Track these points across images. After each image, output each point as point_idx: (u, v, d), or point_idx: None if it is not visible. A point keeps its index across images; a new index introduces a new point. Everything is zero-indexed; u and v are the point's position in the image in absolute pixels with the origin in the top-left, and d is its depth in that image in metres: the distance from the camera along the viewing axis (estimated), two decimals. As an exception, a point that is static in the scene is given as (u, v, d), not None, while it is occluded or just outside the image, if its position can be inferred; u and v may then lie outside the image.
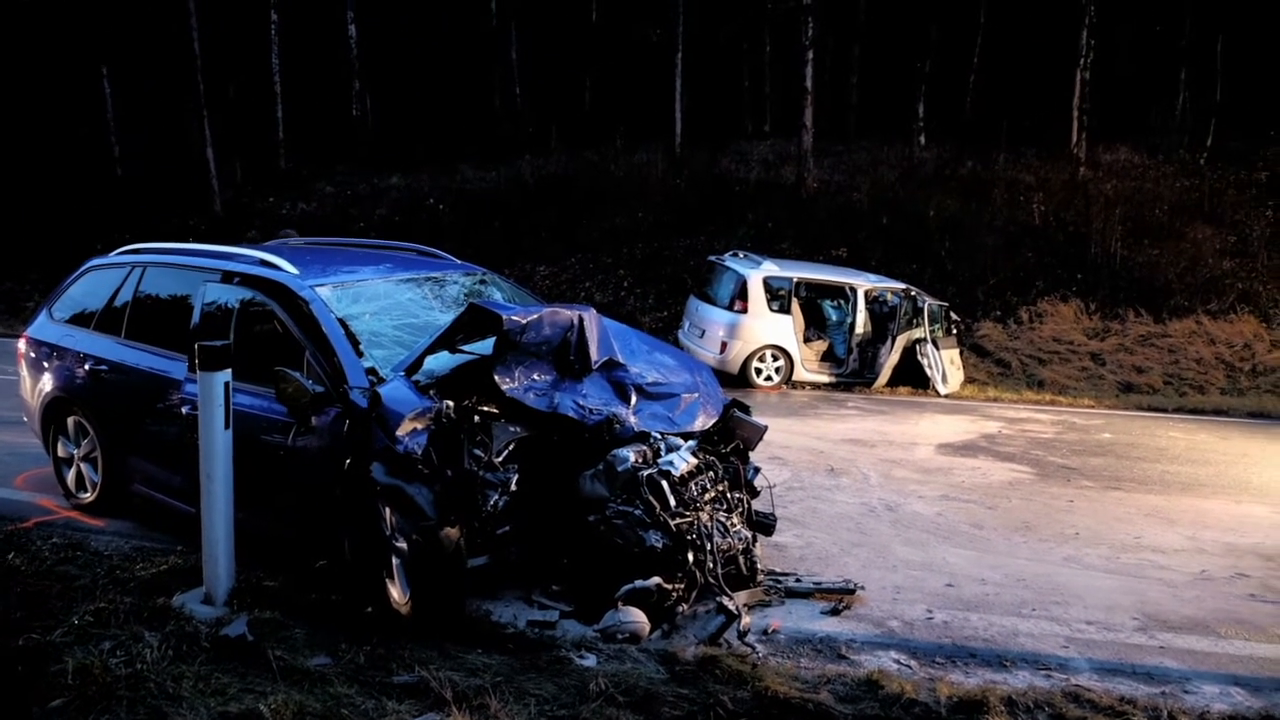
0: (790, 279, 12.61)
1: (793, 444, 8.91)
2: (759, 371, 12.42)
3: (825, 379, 12.75)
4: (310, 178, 23.78)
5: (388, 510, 4.37)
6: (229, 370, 4.35)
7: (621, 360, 5.19)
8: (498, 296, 6.05)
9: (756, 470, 5.48)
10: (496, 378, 4.62)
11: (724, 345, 12.36)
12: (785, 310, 12.48)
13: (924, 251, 17.52)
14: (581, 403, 4.81)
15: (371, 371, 4.61)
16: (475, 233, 19.29)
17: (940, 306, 13.00)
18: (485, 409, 4.61)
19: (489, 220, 20.14)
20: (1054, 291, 16.54)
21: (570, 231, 19.62)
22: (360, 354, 4.69)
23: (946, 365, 12.61)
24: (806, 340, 12.85)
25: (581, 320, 4.97)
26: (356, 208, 21.73)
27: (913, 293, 12.73)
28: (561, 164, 23.05)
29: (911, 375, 12.56)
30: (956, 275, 16.99)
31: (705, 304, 13.13)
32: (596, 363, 5.01)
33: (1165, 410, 12.59)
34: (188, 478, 4.78)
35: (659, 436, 4.92)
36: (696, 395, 5.40)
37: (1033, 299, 16.46)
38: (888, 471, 8.13)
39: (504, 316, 4.63)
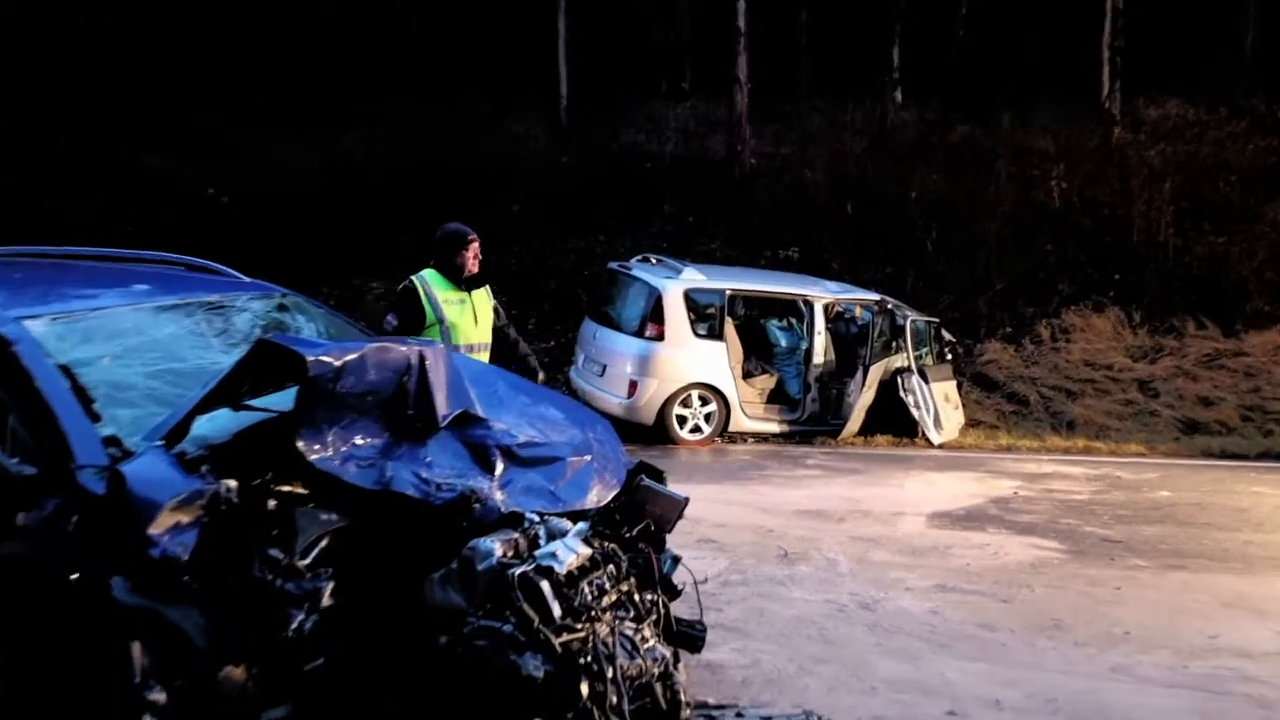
0: (722, 291, 12.71)
1: (730, 520, 8.93)
2: (682, 421, 12.46)
3: (774, 428, 12.86)
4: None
5: (138, 646, 4.22)
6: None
7: (482, 413, 5.15)
8: (305, 328, 5.97)
9: (676, 561, 5.45)
10: (301, 444, 4.51)
11: (633, 386, 12.37)
12: (716, 335, 12.56)
13: (904, 248, 17.88)
14: (425, 475, 4.74)
15: (112, 441, 4.46)
16: (277, 236, 19.03)
17: (928, 324, 13.26)
18: (285, 489, 4.51)
19: (297, 218, 19.89)
20: (1084, 298, 16.95)
21: (415, 233, 19.48)
22: (95, 416, 4.54)
23: (940, 404, 12.81)
24: (747, 375, 12.94)
25: (422, 359, 4.91)
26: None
27: (890, 306, 12.95)
28: (402, 140, 22.94)
29: (892, 419, 12.74)
30: (949, 280, 17.34)
31: (606, 329, 13.15)
32: (445, 418, 4.95)
33: (1245, 457, 12.90)
34: None
35: (537, 519, 4.86)
36: (588, 458, 5.37)
37: (1055, 309, 16.85)
38: (862, 554, 8.20)
39: (309, 357, 4.53)
